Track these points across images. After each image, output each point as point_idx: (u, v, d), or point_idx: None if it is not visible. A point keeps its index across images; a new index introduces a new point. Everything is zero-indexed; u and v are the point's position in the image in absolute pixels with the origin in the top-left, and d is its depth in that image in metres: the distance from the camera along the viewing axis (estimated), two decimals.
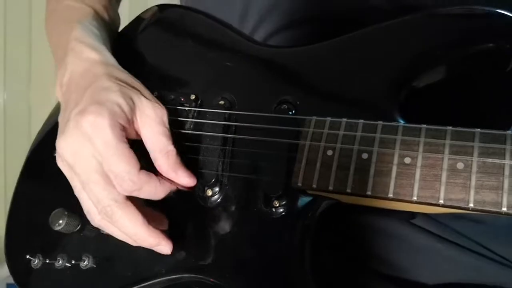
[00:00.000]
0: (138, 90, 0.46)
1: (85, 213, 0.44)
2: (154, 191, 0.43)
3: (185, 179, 0.45)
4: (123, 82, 0.46)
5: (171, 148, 0.44)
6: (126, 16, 0.67)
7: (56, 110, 0.65)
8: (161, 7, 0.61)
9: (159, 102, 0.47)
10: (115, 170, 0.41)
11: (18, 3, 1.65)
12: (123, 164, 0.41)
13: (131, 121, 0.44)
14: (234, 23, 0.57)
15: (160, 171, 0.44)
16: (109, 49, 0.53)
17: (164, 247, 0.44)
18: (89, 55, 0.48)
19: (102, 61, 0.48)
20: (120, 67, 0.49)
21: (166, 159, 0.44)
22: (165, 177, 0.45)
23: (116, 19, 0.63)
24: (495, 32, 0.40)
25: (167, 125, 0.45)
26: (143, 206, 0.45)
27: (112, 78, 0.46)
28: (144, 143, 0.44)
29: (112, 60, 0.50)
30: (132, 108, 0.44)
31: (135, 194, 0.42)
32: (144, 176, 0.42)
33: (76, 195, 0.44)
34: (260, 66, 0.51)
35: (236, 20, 0.60)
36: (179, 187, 0.46)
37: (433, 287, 0.46)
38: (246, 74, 0.52)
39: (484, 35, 0.41)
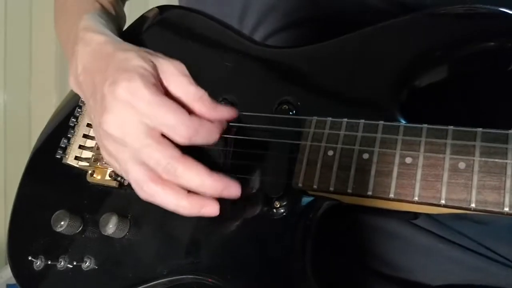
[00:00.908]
0: (151, 54, 0.46)
1: (136, 188, 0.43)
2: (209, 132, 0.42)
3: (228, 113, 0.44)
4: (136, 50, 0.46)
5: (202, 92, 0.44)
6: (126, 17, 0.67)
7: (58, 112, 0.65)
8: (162, 8, 0.61)
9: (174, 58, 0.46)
10: (166, 122, 0.41)
11: (18, 3, 1.65)
12: (172, 114, 0.41)
13: (158, 81, 0.44)
14: (234, 23, 0.57)
15: (202, 117, 0.43)
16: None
17: (233, 188, 0.43)
18: (97, 40, 0.48)
19: (110, 41, 0.48)
20: (127, 43, 0.49)
21: (203, 103, 0.43)
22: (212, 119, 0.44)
23: (122, 17, 0.64)
24: (497, 31, 0.40)
25: (188, 74, 0.45)
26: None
27: (125, 49, 0.46)
28: (176, 98, 0.44)
29: (119, 39, 0.50)
30: (155, 68, 0.44)
31: (193, 140, 0.42)
32: (195, 119, 0.42)
33: (123, 169, 0.43)
34: (260, 66, 0.51)
35: (236, 21, 0.60)
36: (225, 122, 0.45)
37: (435, 287, 0.46)
38: (247, 74, 0.52)
39: (486, 34, 0.41)
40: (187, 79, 0.44)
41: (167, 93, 0.44)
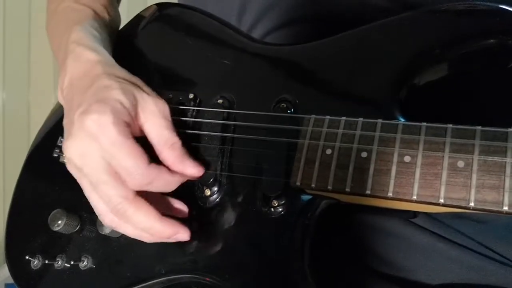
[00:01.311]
0: (139, 86, 0.46)
1: (97, 214, 0.44)
2: (165, 183, 0.43)
3: (193, 169, 0.45)
4: (123, 79, 0.46)
5: (175, 140, 0.44)
6: (124, 15, 0.67)
7: (56, 111, 0.64)
8: (160, 5, 0.61)
9: (160, 97, 0.47)
10: (124, 166, 0.41)
11: (17, 3, 1.65)
12: (131, 159, 0.41)
13: (134, 117, 0.44)
14: (232, 20, 0.57)
15: (167, 165, 0.44)
16: (109, 49, 0.53)
17: (182, 235, 0.44)
18: (88, 57, 0.48)
19: (100, 61, 0.48)
20: (119, 66, 0.49)
21: (172, 151, 0.44)
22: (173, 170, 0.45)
23: (116, 18, 0.63)
24: (497, 28, 0.40)
25: (169, 118, 0.45)
26: (161, 197, 0.46)
27: (112, 76, 0.46)
28: (148, 138, 0.45)
29: (111, 60, 0.50)
30: (134, 104, 0.44)
31: (146, 188, 0.42)
32: (153, 169, 0.42)
33: (87, 197, 0.44)
34: (258, 64, 0.51)
35: (234, 18, 0.59)
36: (188, 178, 0.46)
37: (434, 286, 0.46)
38: (245, 72, 0.51)
39: (486, 31, 0.40)
40: (165, 123, 0.44)
41: (141, 130, 0.45)
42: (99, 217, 0.44)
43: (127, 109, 0.43)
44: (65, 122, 0.47)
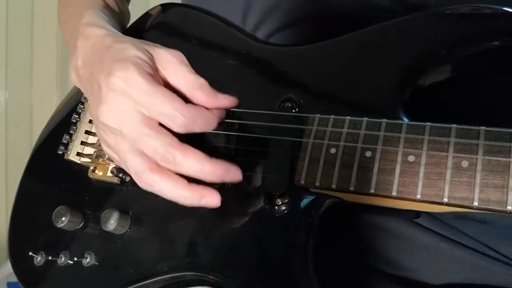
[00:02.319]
0: (151, 45, 0.46)
1: (133, 175, 0.43)
2: (207, 120, 0.42)
3: (228, 100, 0.44)
4: (133, 41, 0.46)
5: (202, 81, 0.44)
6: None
7: (60, 108, 0.65)
8: (165, 6, 0.61)
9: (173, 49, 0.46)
10: (163, 111, 0.40)
11: (20, 2, 1.66)
12: (168, 103, 0.40)
13: (154, 70, 0.44)
14: (237, 21, 0.57)
15: (202, 105, 0.44)
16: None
17: (233, 172, 0.43)
18: (97, 32, 0.48)
19: (109, 34, 0.48)
20: (129, 37, 0.49)
21: (203, 91, 0.43)
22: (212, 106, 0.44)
23: (125, 14, 0.64)
24: (501, 30, 0.40)
25: (188, 63, 0.45)
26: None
27: (122, 41, 0.46)
28: (175, 87, 0.44)
29: (120, 34, 0.50)
30: (151, 58, 0.44)
31: (191, 128, 0.42)
32: (192, 107, 0.42)
33: (122, 160, 0.43)
34: (263, 64, 0.51)
35: (239, 18, 0.60)
36: (225, 110, 0.46)
37: (437, 287, 0.46)
38: (249, 72, 0.52)
39: (490, 33, 0.41)
40: (186, 68, 0.44)
41: (166, 83, 0.44)
42: (137, 182, 0.43)
43: (146, 61, 0.43)
44: (89, 100, 0.47)
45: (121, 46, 0.45)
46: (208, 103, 0.44)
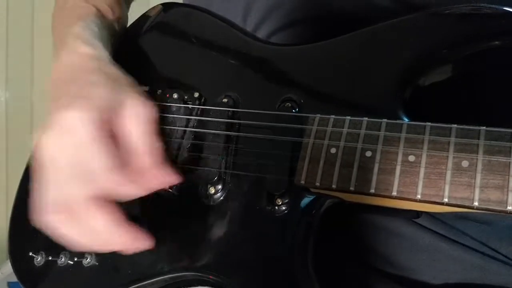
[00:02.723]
0: (128, 86, 0.45)
1: (43, 209, 0.41)
2: (135, 189, 0.41)
3: (169, 177, 0.43)
4: (113, 77, 0.45)
5: (157, 146, 0.43)
6: (128, 14, 0.67)
7: None
8: (166, 5, 0.61)
9: (148, 100, 0.45)
10: (96, 166, 0.39)
11: (20, 2, 1.66)
12: (105, 160, 0.39)
13: (116, 118, 0.42)
14: (237, 20, 0.57)
15: (144, 169, 0.42)
16: (107, 46, 0.53)
17: (142, 242, 0.42)
18: (83, 50, 0.48)
19: (94, 55, 0.47)
20: (113, 62, 0.49)
21: (151, 156, 0.43)
22: (150, 176, 0.43)
23: (123, 19, 0.63)
24: (502, 30, 0.40)
25: (154, 122, 0.44)
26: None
27: (102, 73, 0.45)
28: (129, 140, 0.43)
29: (105, 55, 0.49)
30: (119, 104, 0.43)
31: (115, 191, 0.40)
32: (126, 173, 0.40)
33: (40, 190, 0.42)
34: (263, 64, 0.51)
35: (239, 18, 0.60)
36: (162, 186, 0.44)
37: (438, 286, 0.46)
38: (250, 72, 0.52)
39: (491, 33, 0.41)
40: (148, 126, 0.43)
41: (122, 131, 0.43)
42: (44, 214, 0.41)
43: (109, 108, 0.42)
44: (48, 113, 0.45)
45: (95, 79, 0.44)
46: (150, 171, 0.42)
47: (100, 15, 0.57)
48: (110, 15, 0.59)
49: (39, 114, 1.64)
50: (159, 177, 0.43)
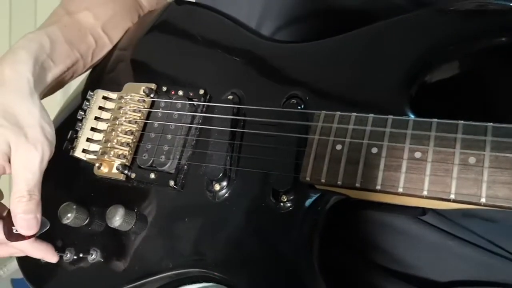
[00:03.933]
0: (22, 129, 0.46)
1: None
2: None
3: (21, 226, 0.46)
4: (10, 119, 0.46)
5: (22, 194, 0.46)
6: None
7: (67, 105, 0.65)
8: (171, 3, 0.61)
9: (42, 143, 0.47)
10: None
11: (23, 3, 1.67)
12: None
13: (4, 163, 0.46)
14: (242, 17, 0.57)
15: (13, 213, 0.46)
16: (49, 72, 0.53)
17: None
18: (14, 71, 0.49)
19: (9, 84, 0.48)
20: (26, 94, 0.48)
21: (14, 203, 0.46)
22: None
23: (112, 38, 0.63)
24: (508, 26, 0.40)
25: (36, 170, 0.46)
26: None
27: (8, 109, 0.47)
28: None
29: (24, 84, 0.49)
30: (5, 152, 0.46)
31: None
32: None
33: None
34: (269, 61, 0.51)
35: (244, 15, 0.60)
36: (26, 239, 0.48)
37: (444, 284, 0.46)
38: (255, 69, 0.52)
39: (497, 29, 0.40)
40: (26, 175, 0.46)
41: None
42: None
43: None
44: None
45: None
46: (14, 218, 0.46)
47: (65, 28, 0.57)
48: (88, 22, 0.59)
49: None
50: (15, 223, 0.47)
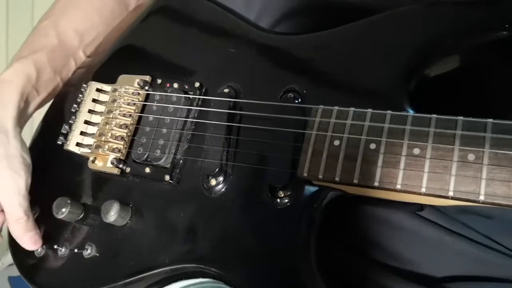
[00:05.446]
0: (5, 159, 0.51)
1: None
2: None
3: (28, 245, 0.53)
4: None
5: (20, 216, 0.52)
6: None
7: (60, 99, 0.64)
8: None
9: (24, 170, 0.53)
10: None
11: (20, 2, 1.64)
12: None
13: None
14: (240, 9, 0.56)
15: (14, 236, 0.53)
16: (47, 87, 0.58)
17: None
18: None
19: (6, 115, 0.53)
20: (11, 130, 0.53)
21: (15, 226, 0.52)
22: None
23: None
24: (509, 20, 0.39)
25: (23, 193, 0.52)
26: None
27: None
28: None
29: (9, 123, 0.53)
30: None
31: None
32: None
33: None
34: (266, 53, 0.50)
35: (242, 5, 0.58)
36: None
37: (441, 279, 0.46)
38: (252, 61, 0.51)
39: (498, 23, 0.40)
40: (15, 199, 0.51)
41: None
42: None
43: None
44: None
45: None
46: (15, 238, 0.53)
47: (56, 50, 0.59)
48: (74, 42, 0.61)
49: (38, 110, 1.63)
50: (21, 244, 0.54)
